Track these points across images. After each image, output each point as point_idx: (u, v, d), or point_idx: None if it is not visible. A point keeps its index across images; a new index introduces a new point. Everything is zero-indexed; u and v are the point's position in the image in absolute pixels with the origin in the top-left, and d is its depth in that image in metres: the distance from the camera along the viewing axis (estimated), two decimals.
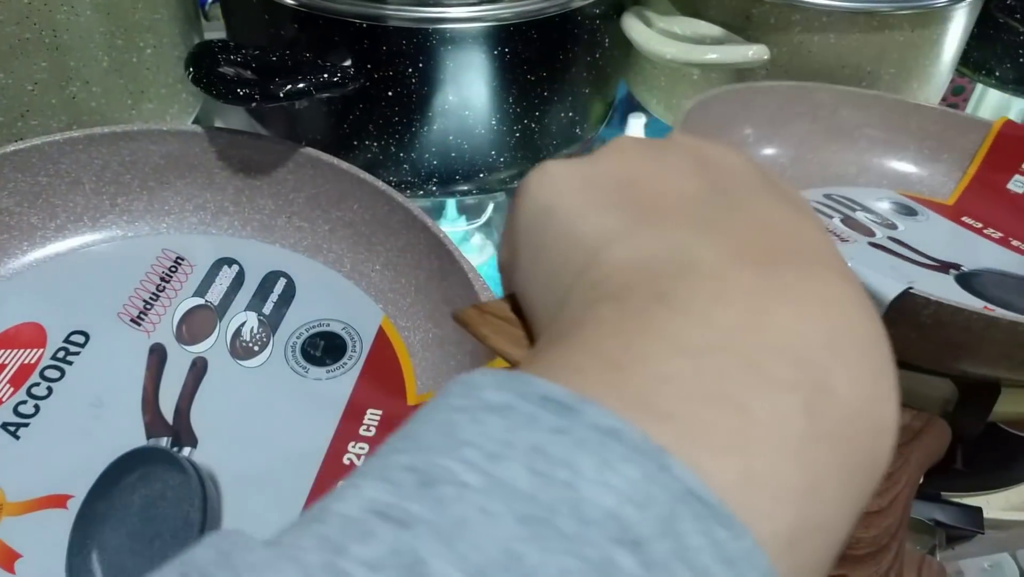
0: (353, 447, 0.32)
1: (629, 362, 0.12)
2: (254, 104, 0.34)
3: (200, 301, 0.36)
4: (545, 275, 0.16)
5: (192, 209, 0.38)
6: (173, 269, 0.36)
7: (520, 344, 0.17)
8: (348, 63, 0.38)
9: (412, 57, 0.39)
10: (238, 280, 0.36)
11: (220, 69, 0.36)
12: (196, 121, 0.47)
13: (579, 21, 0.42)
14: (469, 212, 0.57)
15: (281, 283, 0.37)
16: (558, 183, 0.17)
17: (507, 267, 0.18)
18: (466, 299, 0.34)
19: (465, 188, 0.45)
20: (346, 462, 0.32)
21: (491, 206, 0.61)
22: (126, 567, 0.28)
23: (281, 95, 0.34)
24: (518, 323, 0.17)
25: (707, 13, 0.45)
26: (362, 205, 0.37)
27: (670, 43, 0.41)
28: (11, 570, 0.27)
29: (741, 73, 0.47)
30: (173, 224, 0.38)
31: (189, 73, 0.36)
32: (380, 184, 0.37)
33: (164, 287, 0.36)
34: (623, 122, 0.57)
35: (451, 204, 0.51)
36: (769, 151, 0.42)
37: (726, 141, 0.42)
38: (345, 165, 0.37)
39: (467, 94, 0.41)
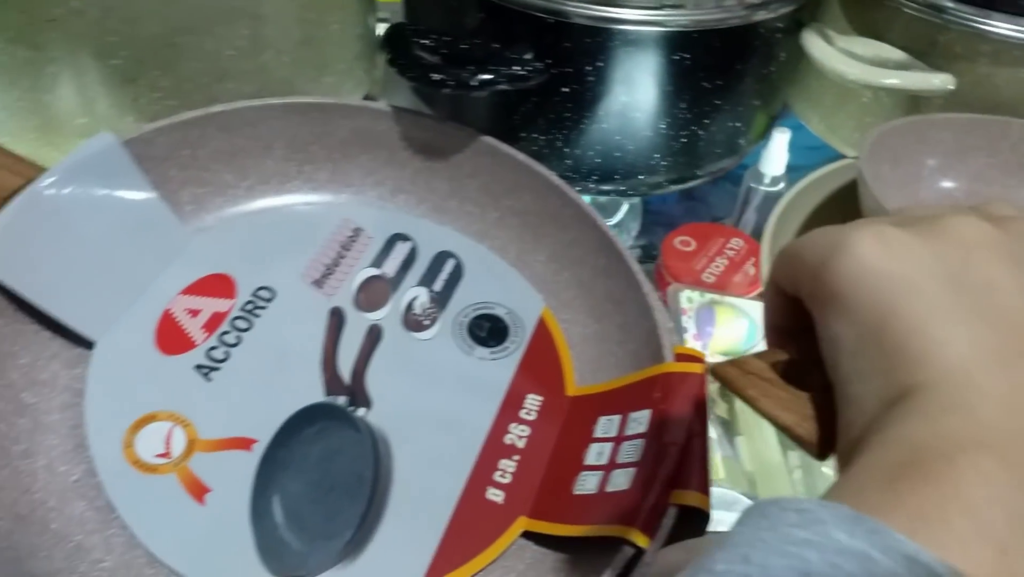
0: (515, 428, 0.33)
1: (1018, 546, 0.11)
2: (446, 90, 0.36)
3: (376, 272, 0.37)
4: (875, 359, 0.15)
5: (371, 184, 0.40)
6: (352, 239, 0.38)
7: (789, 408, 0.17)
8: (530, 56, 0.39)
9: (592, 55, 0.40)
10: (411, 256, 0.38)
11: (414, 53, 0.38)
12: (365, 99, 0.49)
13: (759, 34, 0.42)
14: (603, 211, 0.58)
15: (450, 263, 0.38)
16: (905, 258, 0.15)
17: (784, 319, 0.17)
18: (630, 299, 0.35)
19: (622, 188, 0.46)
20: (507, 442, 0.33)
21: (625, 207, 0.61)
22: (303, 514, 0.30)
23: (474, 84, 0.36)
24: (783, 385, 0.17)
25: (889, 36, 0.44)
26: (534, 197, 0.38)
27: (853, 63, 0.41)
28: (201, 501, 0.30)
29: (914, 100, 0.46)
30: (352, 196, 0.40)
31: (385, 54, 0.37)
32: (554, 178, 0.38)
33: (344, 255, 0.38)
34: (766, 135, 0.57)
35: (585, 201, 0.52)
36: (947, 184, 0.42)
37: (905, 171, 0.41)
38: (522, 157, 0.38)
39: (640, 96, 0.41)
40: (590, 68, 0.40)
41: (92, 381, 0.31)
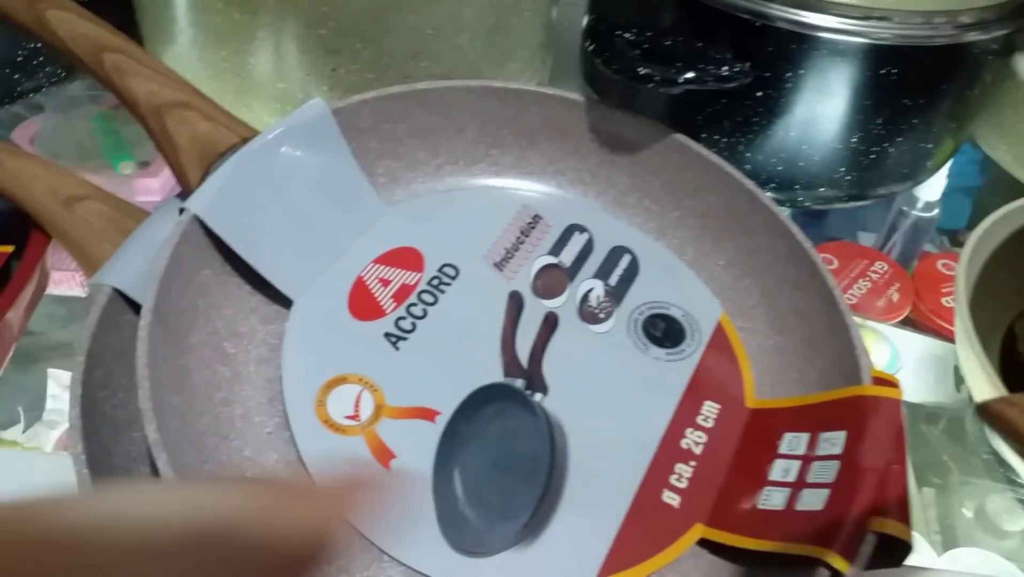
0: (691, 433, 0.33)
1: None
2: (650, 85, 0.36)
3: (554, 260, 0.37)
4: None
5: (552, 172, 0.40)
6: (531, 225, 0.38)
7: None
8: (730, 57, 0.39)
9: (794, 61, 0.39)
10: (588, 248, 0.38)
11: (618, 46, 0.37)
12: None
13: (968, 54, 0.40)
14: None
15: (626, 258, 0.38)
16: None
17: None
18: (822, 314, 0.34)
19: (799, 198, 0.45)
20: (683, 447, 0.32)
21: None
22: (482, 491, 0.30)
23: (680, 81, 0.35)
24: None
25: None
26: (720, 199, 0.38)
27: None
28: (386, 466, 0.30)
29: None
30: (533, 184, 0.40)
31: (588, 44, 0.37)
32: (747, 182, 0.37)
33: (524, 240, 0.38)
34: None
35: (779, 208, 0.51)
36: None
37: None
38: (714, 157, 0.38)
39: (836, 107, 0.40)
40: (789, 74, 0.39)
41: (289, 338, 0.33)
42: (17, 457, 0.34)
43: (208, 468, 0.28)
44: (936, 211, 0.57)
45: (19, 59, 0.45)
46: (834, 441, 0.30)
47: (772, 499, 0.30)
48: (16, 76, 0.46)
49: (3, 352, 0.32)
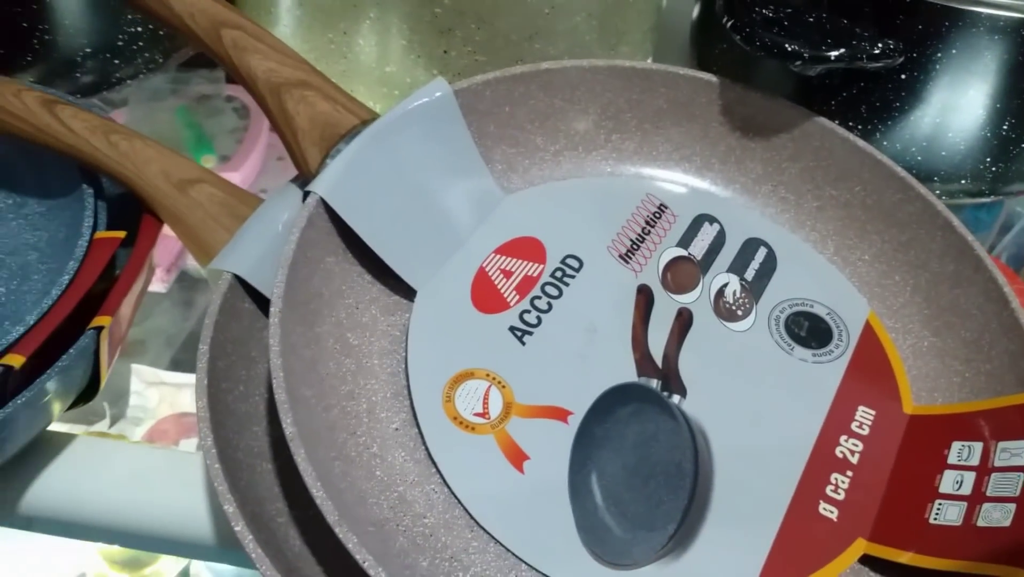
0: (845, 441, 0.30)
1: None
2: (798, 64, 0.33)
3: (683, 252, 0.35)
4: None
5: (678, 159, 0.38)
6: (657, 216, 0.36)
7: None
8: (875, 34, 0.36)
9: (947, 40, 0.36)
10: (719, 240, 0.36)
11: (757, 21, 0.35)
12: None
13: None
14: None
15: (762, 252, 0.35)
16: None
17: None
18: (988, 313, 0.31)
19: (937, 192, 0.42)
20: (838, 456, 0.30)
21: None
22: (622, 497, 0.28)
23: (832, 58, 0.33)
24: None
25: None
26: (867, 189, 0.35)
27: None
28: (520, 469, 0.28)
29: None
30: (657, 171, 0.38)
31: (726, 21, 0.35)
32: (899, 170, 0.34)
33: (649, 231, 0.35)
34: None
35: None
36: None
37: None
38: (862, 143, 0.35)
39: (988, 90, 0.37)
40: (939, 54, 0.36)
41: (414, 330, 0.31)
42: (132, 451, 0.33)
43: (338, 465, 0.26)
44: None
45: (119, 43, 0.45)
46: (1015, 451, 0.27)
47: (945, 513, 0.27)
48: (116, 61, 0.45)
49: (115, 346, 0.31)
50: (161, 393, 0.56)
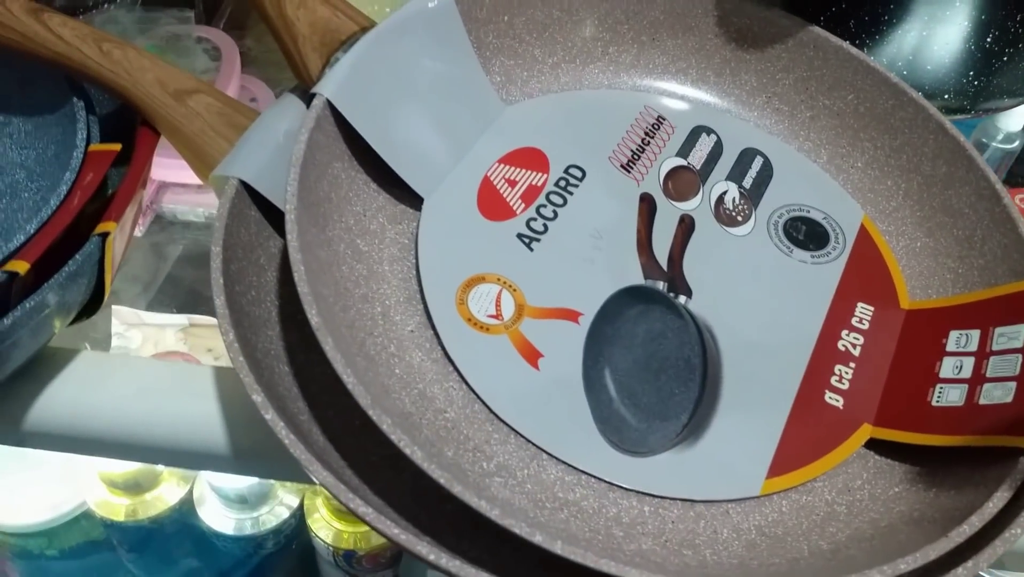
0: (847, 335, 0.31)
1: None
2: None
3: (683, 162, 0.35)
4: None
5: (674, 72, 0.38)
6: (655, 127, 0.36)
7: None
8: None
9: None
10: (716, 150, 0.36)
11: None
12: None
13: None
14: None
15: (758, 161, 0.36)
16: None
17: None
18: (980, 211, 0.32)
19: None
20: (840, 348, 0.31)
21: None
22: (635, 390, 0.29)
23: None
24: None
25: None
26: (859, 96, 0.36)
27: None
28: (535, 366, 0.29)
29: None
30: (653, 83, 0.38)
31: None
32: (891, 76, 0.35)
33: (649, 142, 0.36)
34: None
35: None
36: None
37: None
38: (854, 51, 0.35)
39: (977, 2, 0.38)
40: None
41: (423, 237, 0.31)
42: (138, 365, 0.32)
43: (360, 361, 0.26)
44: (1017, 143, 0.55)
45: None
46: (1012, 335, 0.28)
47: (947, 395, 0.28)
48: None
49: (117, 258, 0.30)
50: (144, 334, 0.55)
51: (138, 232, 0.53)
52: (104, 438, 0.29)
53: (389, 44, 0.31)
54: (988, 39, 0.39)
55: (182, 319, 0.55)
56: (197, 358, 0.54)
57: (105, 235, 0.28)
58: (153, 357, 0.54)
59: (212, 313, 0.45)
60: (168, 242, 0.57)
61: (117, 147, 0.32)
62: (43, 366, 0.30)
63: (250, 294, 0.29)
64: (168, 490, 0.60)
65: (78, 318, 0.30)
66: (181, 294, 0.57)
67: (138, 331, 0.56)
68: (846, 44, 0.35)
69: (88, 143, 0.32)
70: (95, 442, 0.29)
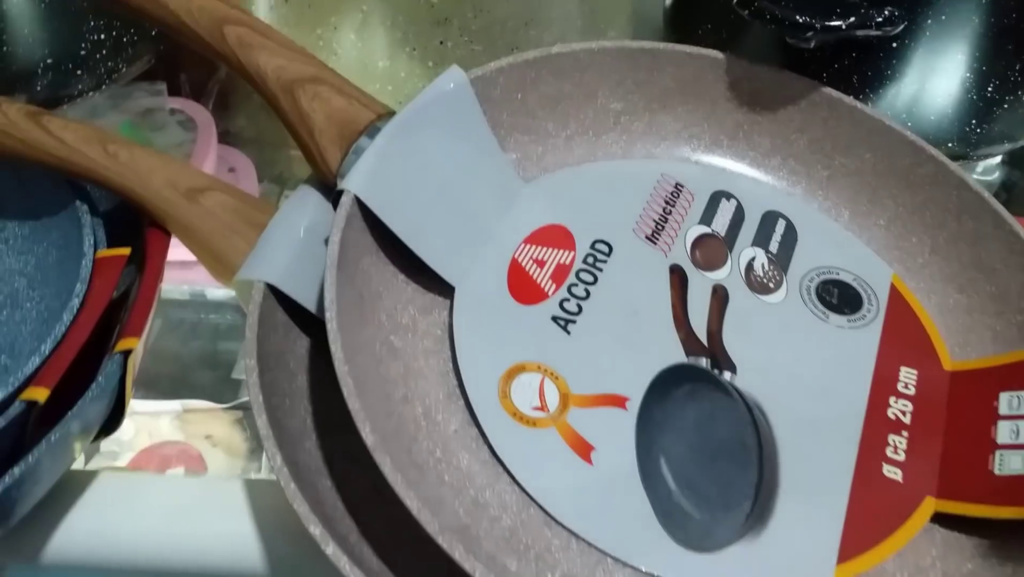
0: (895, 402, 0.30)
1: None
2: (809, 35, 0.33)
3: (707, 229, 0.35)
4: None
5: (687, 137, 0.38)
6: (675, 195, 0.36)
7: None
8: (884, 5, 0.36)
9: (935, 5, 0.37)
10: (739, 215, 0.36)
11: None
12: None
13: None
14: None
15: (781, 224, 0.36)
16: None
17: None
18: (1012, 267, 0.32)
19: None
20: (891, 417, 0.30)
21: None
22: (693, 479, 0.28)
23: (843, 27, 0.33)
24: None
25: None
26: (876, 155, 0.36)
27: None
28: (588, 460, 0.28)
29: None
30: (667, 150, 0.38)
31: None
32: (909, 134, 0.35)
33: (671, 211, 0.35)
34: None
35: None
36: None
37: None
38: (870, 110, 0.35)
39: (978, 54, 0.38)
40: (929, 20, 0.37)
41: (459, 327, 0.29)
42: (162, 484, 0.30)
43: (412, 473, 0.25)
44: (997, 174, 0.56)
45: (82, 53, 0.42)
46: None
47: (1010, 463, 0.28)
48: (78, 72, 0.42)
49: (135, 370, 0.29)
50: (137, 424, 0.53)
51: None
52: (131, 566, 0.27)
53: (411, 132, 0.30)
54: (989, 88, 0.40)
55: (175, 405, 0.53)
56: (195, 446, 0.52)
57: (127, 352, 0.26)
58: (150, 447, 0.52)
59: (204, 396, 0.43)
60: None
61: (127, 251, 0.31)
62: (61, 490, 0.28)
63: (285, 405, 0.27)
64: None
65: (97, 437, 0.29)
66: (165, 376, 0.55)
67: (131, 421, 0.53)
68: (859, 104, 0.35)
69: (95, 248, 0.30)
70: (122, 572, 0.27)
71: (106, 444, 0.53)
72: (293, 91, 0.30)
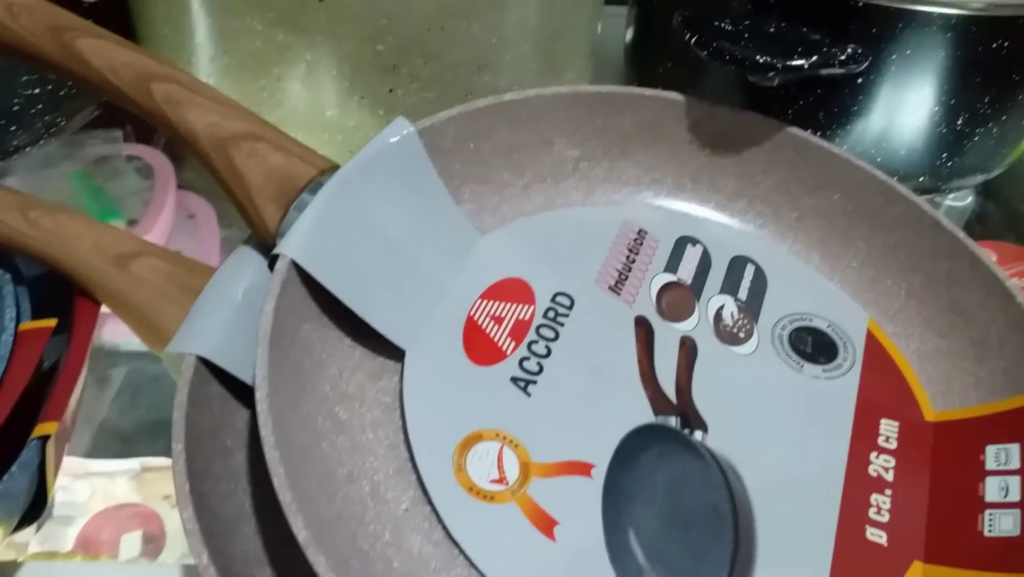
0: (876, 458, 0.29)
1: None
2: (771, 75, 0.32)
3: (673, 277, 0.33)
4: None
5: (648, 182, 0.36)
6: (638, 242, 0.34)
7: None
8: (829, 40, 0.36)
9: (900, 40, 0.36)
10: (705, 261, 0.34)
11: (719, 37, 0.34)
12: None
13: None
14: None
15: (750, 269, 0.34)
16: None
17: None
18: (992, 310, 0.31)
19: None
20: (872, 474, 0.28)
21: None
22: (665, 552, 0.26)
23: (804, 66, 0.32)
24: None
25: None
26: (846, 195, 0.34)
27: None
28: (551, 536, 0.26)
29: None
30: (628, 196, 0.36)
31: (688, 36, 0.34)
32: (879, 174, 0.34)
33: (634, 259, 0.34)
34: None
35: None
36: None
37: None
38: (836, 149, 0.34)
39: (946, 88, 0.37)
40: (894, 56, 0.36)
41: (409, 395, 0.28)
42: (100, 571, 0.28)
43: (355, 564, 0.23)
44: (969, 200, 0.55)
45: (15, 109, 0.40)
46: None
47: (1000, 524, 0.26)
48: (12, 128, 0.40)
49: (61, 454, 0.27)
50: (92, 485, 0.50)
51: None
52: None
53: (353, 188, 0.28)
54: (959, 121, 0.39)
55: (133, 464, 0.50)
56: (153, 508, 0.49)
57: (44, 439, 0.24)
58: (105, 511, 0.50)
59: (165, 453, 0.40)
60: (108, 376, 0.52)
61: (52, 323, 0.29)
62: None
63: (219, 490, 0.25)
64: None
65: (19, 527, 0.26)
66: (125, 432, 0.53)
67: (85, 483, 0.50)
68: (825, 143, 0.34)
69: (18, 321, 0.28)
70: None
71: (59, 508, 0.50)
72: (227, 148, 0.29)
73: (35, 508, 0.26)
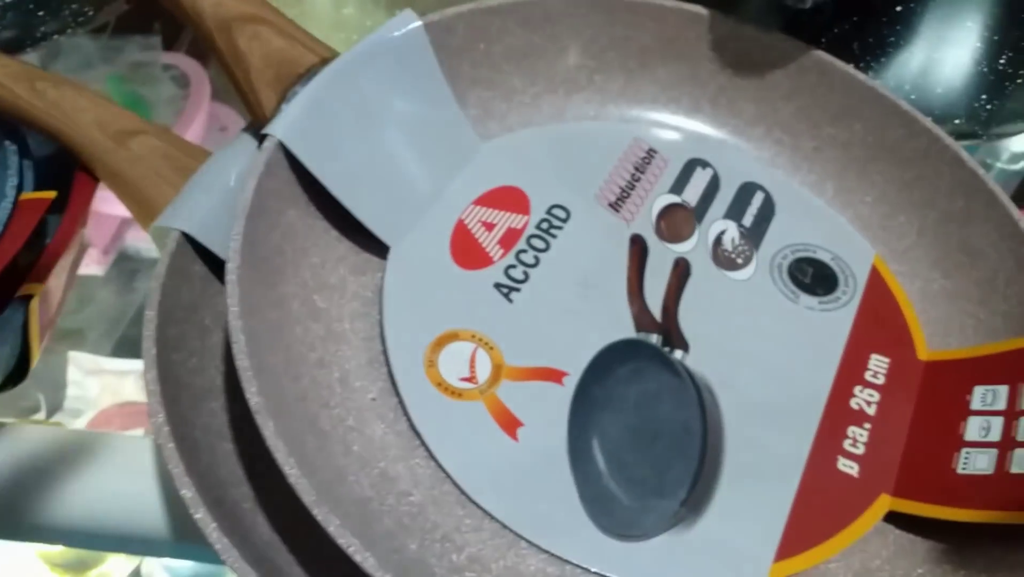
0: (860, 392, 0.28)
1: None
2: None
3: (676, 199, 0.32)
4: None
5: (665, 101, 0.35)
6: (646, 161, 0.33)
7: None
8: None
9: None
10: (713, 185, 0.33)
11: None
12: None
13: None
14: None
15: (759, 197, 0.33)
16: None
17: None
18: (1003, 251, 0.29)
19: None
20: (854, 407, 0.28)
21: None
22: (627, 462, 0.26)
23: None
24: None
25: None
26: (867, 126, 0.33)
27: None
28: (514, 436, 0.26)
29: None
30: (643, 114, 0.35)
31: None
32: (903, 104, 0.32)
33: (639, 177, 0.33)
34: None
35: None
36: None
37: None
38: (861, 76, 0.33)
39: (989, 22, 0.35)
40: None
41: (389, 291, 0.28)
42: (70, 438, 0.29)
43: (311, 440, 0.23)
44: (1023, 163, 0.53)
45: None
46: None
47: (975, 462, 0.25)
48: (40, 13, 0.41)
49: (46, 323, 0.27)
50: (103, 382, 0.52)
51: (100, 271, 0.50)
52: (30, 524, 0.26)
53: (351, 77, 0.28)
54: (1001, 60, 0.36)
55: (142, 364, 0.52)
56: None
57: (28, 298, 0.25)
58: (111, 408, 0.51)
59: None
60: (133, 281, 0.54)
61: (52, 195, 0.29)
62: None
63: (191, 362, 0.26)
64: (114, 566, 0.56)
65: (1, 388, 0.27)
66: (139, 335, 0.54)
67: (96, 379, 0.52)
68: (852, 69, 0.33)
69: (20, 191, 0.29)
70: (19, 528, 0.26)
71: (70, 401, 0.52)
72: (230, 30, 0.29)
73: (18, 371, 0.27)
